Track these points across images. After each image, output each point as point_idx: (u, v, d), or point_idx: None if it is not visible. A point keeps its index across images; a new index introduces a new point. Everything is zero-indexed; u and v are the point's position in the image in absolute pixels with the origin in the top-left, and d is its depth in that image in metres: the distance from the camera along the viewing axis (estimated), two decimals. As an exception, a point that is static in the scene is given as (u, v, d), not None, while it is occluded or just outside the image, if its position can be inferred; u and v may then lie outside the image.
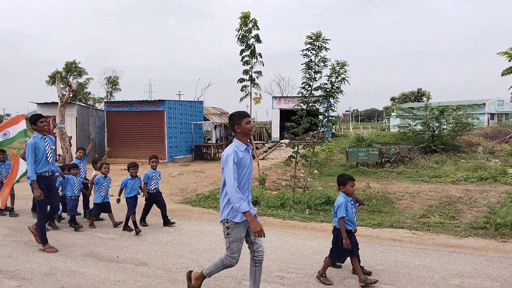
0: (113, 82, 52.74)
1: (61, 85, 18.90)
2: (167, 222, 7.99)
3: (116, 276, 5.23)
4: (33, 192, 6.21)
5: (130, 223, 7.53)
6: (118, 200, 7.76)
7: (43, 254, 6.16)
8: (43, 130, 6.46)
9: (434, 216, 9.09)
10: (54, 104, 20.37)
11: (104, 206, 7.98)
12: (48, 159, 6.39)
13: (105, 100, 44.78)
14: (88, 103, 46.85)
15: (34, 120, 6.43)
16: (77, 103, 25.86)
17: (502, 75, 8.97)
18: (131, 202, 7.67)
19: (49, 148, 6.43)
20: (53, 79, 42.38)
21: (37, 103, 22.08)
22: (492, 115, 51.82)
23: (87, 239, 7.05)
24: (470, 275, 5.20)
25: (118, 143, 21.53)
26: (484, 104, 50.78)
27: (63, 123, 18.17)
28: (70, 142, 18.18)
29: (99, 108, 28.82)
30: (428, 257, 5.90)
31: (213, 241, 6.85)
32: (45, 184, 6.34)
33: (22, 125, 8.69)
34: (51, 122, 21.08)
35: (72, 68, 46.07)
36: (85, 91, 47.62)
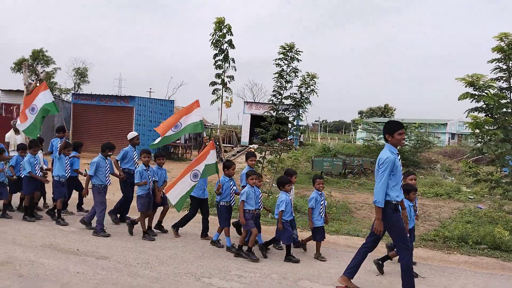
0: (81, 74, 51.53)
1: (28, 73, 18.38)
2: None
3: (75, 268, 5.27)
4: None
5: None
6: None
7: (1, 243, 6.08)
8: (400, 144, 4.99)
9: (389, 226, 9.56)
10: (19, 92, 19.76)
11: None
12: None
13: (73, 92, 43.70)
14: (54, 93, 45.48)
15: (393, 130, 4.89)
16: (44, 93, 25.16)
17: (459, 99, 9.52)
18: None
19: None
20: (18, 66, 40.95)
21: (1, 90, 21.37)
22: (453, 135, 54.21)
23: (47, 230, 7.00)
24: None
25: (83, 136, 21.09)
26: (446, 124, 53.14)
27: (28, 112, 17.67)
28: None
29: (65, 100, 28.13)
30: (388, 267, 6.25)
31: (175, 239, 6.96)
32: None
33: (196, 115, 7.40)
34: (15, 110, 20.44)
35: (39, 56, 44.73)
36: (51, 81, 46.26)
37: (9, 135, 9.86)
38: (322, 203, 6.49)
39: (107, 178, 7.25)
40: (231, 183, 6.70)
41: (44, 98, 8.21)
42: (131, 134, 8.30)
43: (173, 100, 27.43)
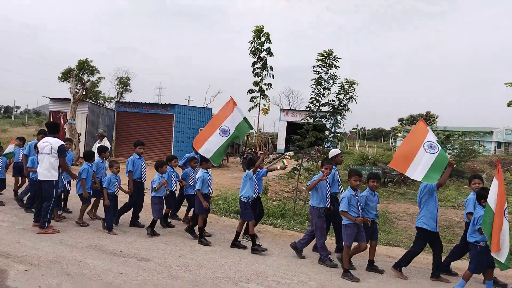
0: (124, 83, 53.46)
1: (74, 82, 19.32)
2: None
3: (119, 269, 5.46)
4: None
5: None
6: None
7: (50, 242, 6.39)
8: None
9: (431, 237, 9.24)
10: (66, 100, 20.79)
11: None
12: None
13: (115, 100, 45.43)
14: (98, 101, 47.46)
15: None
16: (89, 101, 26.31)
17: (509, 105, 9.08)
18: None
19: None
20: (65, 75, 43.07)
21: (50, 98, 22.52)
22: (499, 144, 51.74)
23: (92, 232, 7.30)
24: (459, 295, 5.38)
25: (125, 143, 21.87)
26: (492, 132, 50.80)
27: (74, 120, 18.57)
28: (79, 139, 18.55)
29: (109, 107, 29.28)
30: (419, 274, 6.09)
31: (213, 243, 7.05)
32: None
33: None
34: (62, 117, 21.49)
35: (85, 66, 46.78)
36: (96, 89, 48.26)
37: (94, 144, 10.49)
38: None
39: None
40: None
41: (237, 117, 7.31)
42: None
43: (211, 108, 27.89)
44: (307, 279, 5.57)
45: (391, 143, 62.19)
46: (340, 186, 7.14)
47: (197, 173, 7.70)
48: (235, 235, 7.05)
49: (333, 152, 7.55)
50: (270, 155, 30.17)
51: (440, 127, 29.22)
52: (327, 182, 6.65)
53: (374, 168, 18.53)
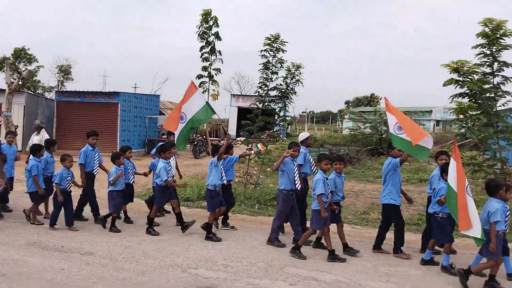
0: (65, 71, 50.75)
1: (10, 72, 18.03)
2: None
3: (60, 264, 5.24)
4: None
5: None
6: None
7: (-17, 243, 5.99)
8: None
9: (374, 212, 9.68)
10: (1, 91, 19.38)
11: None
12: None
13: (56, 89, 43.06)
14: (37, 91, 44.76)
15: None
16: (26, 91, 24.70)
17: (444, 85, 9.63)
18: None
19: None
20: (1, 64, 40.16)
21: (-18, 89, 20.89)
22: (438, 122, 54.90)
23: (31, 228, 6.92)
24: (398, 264, 5.71)
25: (67, 134, 20.84)
26: (431, 111, 53.81)
27: (10, 111, 17.41)
28: (16, 132, 17.41)
29: (48, 98, 27.70)
30: (362, 248, 6.37)
31: (162, 232, 6.94)
32: None
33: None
34: (-4, 109, 20.03)
35: (21, 55, 43.85)
36: (34, 79, 45.44)
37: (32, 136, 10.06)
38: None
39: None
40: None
41: (197, 101, 7.15)
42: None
43: (159, 95, 27.21)
44: (255, 261, 5.65)
45: (338, 125, 64.21)
46: (313, 167, 7.23)
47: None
48: (207, 228, 6.68)
49: (303, 135, 7.66)
50: (221, 142, 30.10)
51: (383, 108, 30.49)
52: (294, 165, 6.65)
53: (321, 150, 19.03)
